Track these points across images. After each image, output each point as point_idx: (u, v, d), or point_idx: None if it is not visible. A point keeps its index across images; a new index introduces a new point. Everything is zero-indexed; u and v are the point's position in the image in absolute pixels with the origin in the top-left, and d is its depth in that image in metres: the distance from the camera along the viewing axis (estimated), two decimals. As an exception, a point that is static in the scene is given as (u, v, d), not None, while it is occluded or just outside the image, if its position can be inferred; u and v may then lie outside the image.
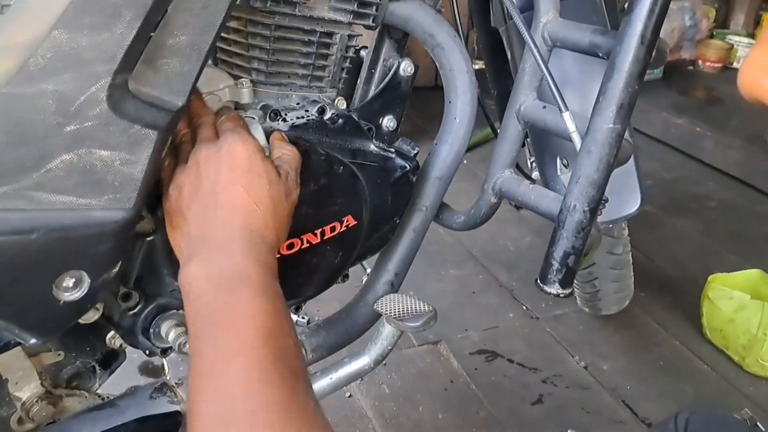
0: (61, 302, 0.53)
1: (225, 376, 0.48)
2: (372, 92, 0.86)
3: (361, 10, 0.76)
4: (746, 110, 1.53)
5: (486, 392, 1.53)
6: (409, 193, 0.85)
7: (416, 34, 0.83)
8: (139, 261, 0.65)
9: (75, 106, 0.49)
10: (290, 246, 0.69)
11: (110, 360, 0.76)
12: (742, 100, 0.73)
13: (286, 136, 0.68)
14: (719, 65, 3.41)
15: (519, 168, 1.09)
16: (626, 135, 0.73)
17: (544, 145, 1.11)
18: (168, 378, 0.78)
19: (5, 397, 0.68)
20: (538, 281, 0.66)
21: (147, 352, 0.71)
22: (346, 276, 0.87)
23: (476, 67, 0.93)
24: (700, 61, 3.46)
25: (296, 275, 0.73)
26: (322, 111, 0.77)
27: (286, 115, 0.74)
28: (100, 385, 0.75)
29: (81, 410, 0.69)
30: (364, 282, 0.95)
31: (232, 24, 0.73)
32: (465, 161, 0.94)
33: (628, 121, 0.72)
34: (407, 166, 0.82)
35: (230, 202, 0.58)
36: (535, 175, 1.22)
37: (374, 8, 0.77)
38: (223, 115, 0.65)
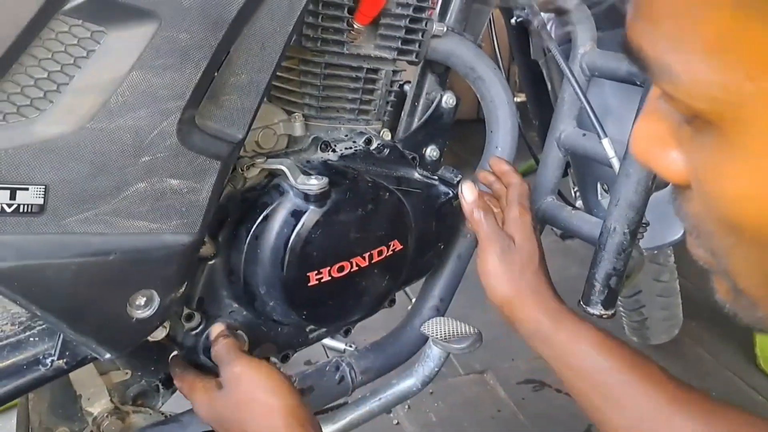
0: (134, 319, 0.58)
1: None
2: (415, 124, 0.90)
3: (404, 47, 0.80)
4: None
5: (534, 422, 1.52)
6: (452, 219, 0.88)
7: (457, 68, 0.87)
8: (201, 283, 0.69)
9: (149, 139, 0.54)
10: (340, 269, 0.72)
11: (172, 380, 0.80)
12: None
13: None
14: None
15: (562, 197, 1.10)
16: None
17: (584, 171, 1.13)
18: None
19: (77, 412, 0.73)
20: (581, 303, 0.68)
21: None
22: (393, 301, 0.90)
23: (518, 99, 0.96)
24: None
25: (346, 297, 0.76)
26: (368, 141, 0.81)
27: (335, 146, 0.79)
28: (162, 404, 0.79)
29: (146, 425, 0.73)
30: (409, 309, 0.98)
31: (285, 63, 0.77)
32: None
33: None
34: (450, 192, 0.85)
35: None
36: (579, 204, 1.23)
37: (417, 45, 0.81)
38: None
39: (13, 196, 0.50)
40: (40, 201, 0.51)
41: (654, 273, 1.39)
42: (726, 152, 0.26)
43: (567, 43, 0.91)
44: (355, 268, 0.73)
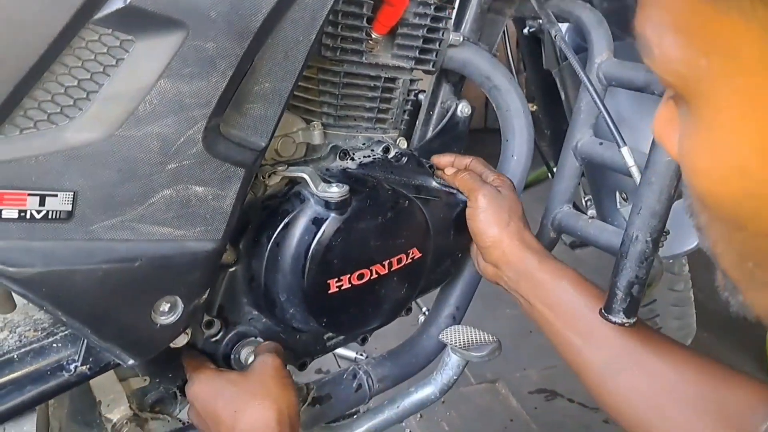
0: (158, 325, 0.58)
1: None
2: (430, 133, 0.90)
3: (421, 56, 0.81)
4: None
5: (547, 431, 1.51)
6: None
7: (473, 77, 0.88)
8: (221, 290, 0.70)
9: (175, 146, 0.54)
10: (360, 276, 0.72)
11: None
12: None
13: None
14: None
15: (574, 206, 1.10)
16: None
17: (600, 181, 1.12)
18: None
19: (96, 418, 0.73)
20: (603, 311, 0.68)
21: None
22: (409, 309, 0.90)
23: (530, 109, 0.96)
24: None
25: (365, 305, 0.76)
26: (386, 150, 0.81)
27: (354, 154, 0.79)
28: (180, 411, 0.79)
29: (165, 432, 0.74)
30: (421, 320, 0.98)
31: (304, 72, 0.78)
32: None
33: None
34: (467, 201, 0.85)
35: None
36: (591, 212, 1.23)
37: (434, 54, 0.81)
38: None
39: (42, 203, 0.50)
40: (69, 207, 0.51)
41: (669, 282, 1.39)
42: (692, 125, 0.29)
43: (583, 52, 0.91)
44: (374, 275, 0.74)
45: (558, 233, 0.93)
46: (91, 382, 0.72)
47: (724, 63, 0.26)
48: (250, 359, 0.71)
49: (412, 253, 0.77)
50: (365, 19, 0.73)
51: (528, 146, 0.91)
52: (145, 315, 0.58)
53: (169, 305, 0.59)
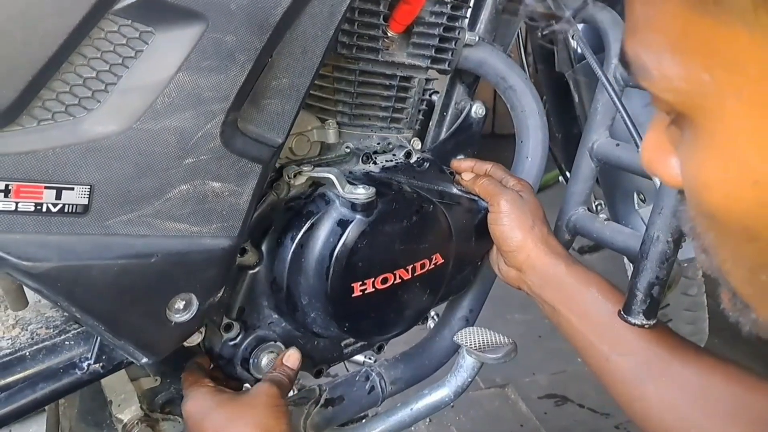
0: (173, 323, 0.58)
1: None
2: (444, 134, 0.89)
3: (437, 56, 0.80)
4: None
5: (557, 438, 1.50)
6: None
7: (489, 77, 0.87)
8: (242, 293, 0.69)
9: (193, 141, 0.54)
10: (384, 280, 0.71)
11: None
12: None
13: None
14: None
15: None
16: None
17: (616, 182, 1.11)
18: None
19: (107, 418, 0.72)
20: (622, 312, 0.67)
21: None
22: (426, 317, 0.89)
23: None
24: None
25: (387, 310, 0.75)
26: (408, 155, 0.81)
27: (376, 158, 0.78)
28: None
29: (177, 433, 0.73)
30: (431, 325, 0.97)
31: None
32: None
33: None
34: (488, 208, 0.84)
35: None
36: (602, 216, 1.22)
37: (449, 53, 0.81)
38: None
39: (58, 196, 0.49)
40: (85, 201, 0.51)
41: (682, 287, 1.37)
42: (698, 142, 0.29)
43: (599, 53, 0.90)
44: (398, 280, 0.72)
45: (573, 235, 0.93)
46: (102, 381, 0.71)
47: (730, 75, 0.26)
48: (271, 365, 0.70)
49: (435, 259, 0.76)
50: (382, 17, 0.72)
51: (543, 148, 0.90)
52: (160, 312, 0.57)
53: (184, 303, 0.58)
